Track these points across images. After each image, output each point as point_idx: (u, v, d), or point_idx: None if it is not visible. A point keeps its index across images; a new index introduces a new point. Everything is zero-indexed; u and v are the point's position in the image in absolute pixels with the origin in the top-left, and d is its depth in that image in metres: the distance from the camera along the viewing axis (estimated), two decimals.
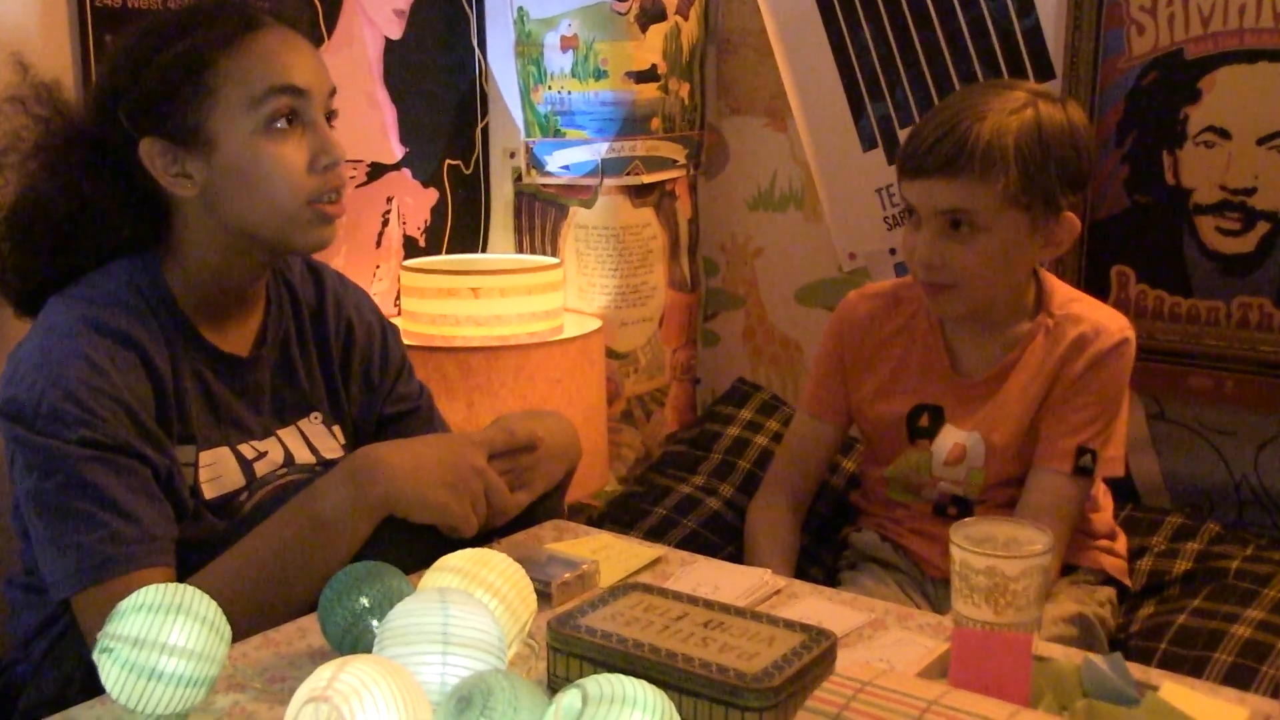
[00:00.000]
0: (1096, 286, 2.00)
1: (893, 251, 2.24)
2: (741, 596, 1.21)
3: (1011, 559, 1.01)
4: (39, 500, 1.23)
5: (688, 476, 2.04)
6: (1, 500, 1.45)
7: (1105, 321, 1.58)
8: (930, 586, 1.68)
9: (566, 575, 1.22)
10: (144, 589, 0.97)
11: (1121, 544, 1.73)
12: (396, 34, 2.21)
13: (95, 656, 0.97)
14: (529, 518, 1.43)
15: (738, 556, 1.92)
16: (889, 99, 2.20)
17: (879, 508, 1.74)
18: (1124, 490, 2.02)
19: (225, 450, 1.39)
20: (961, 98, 1.55)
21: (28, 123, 1.39)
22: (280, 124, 1.31)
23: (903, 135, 2.18)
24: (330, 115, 1.39)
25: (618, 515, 1.97)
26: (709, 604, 1.07)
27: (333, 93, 1.38)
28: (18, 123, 1.39)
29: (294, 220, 1.33)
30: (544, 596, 1.18)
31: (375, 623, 1.04)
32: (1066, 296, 1.62)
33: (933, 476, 1.65)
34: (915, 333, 1.67)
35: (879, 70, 2.20)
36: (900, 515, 1.71)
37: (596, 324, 2.21)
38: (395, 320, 2.04)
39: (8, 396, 1.26)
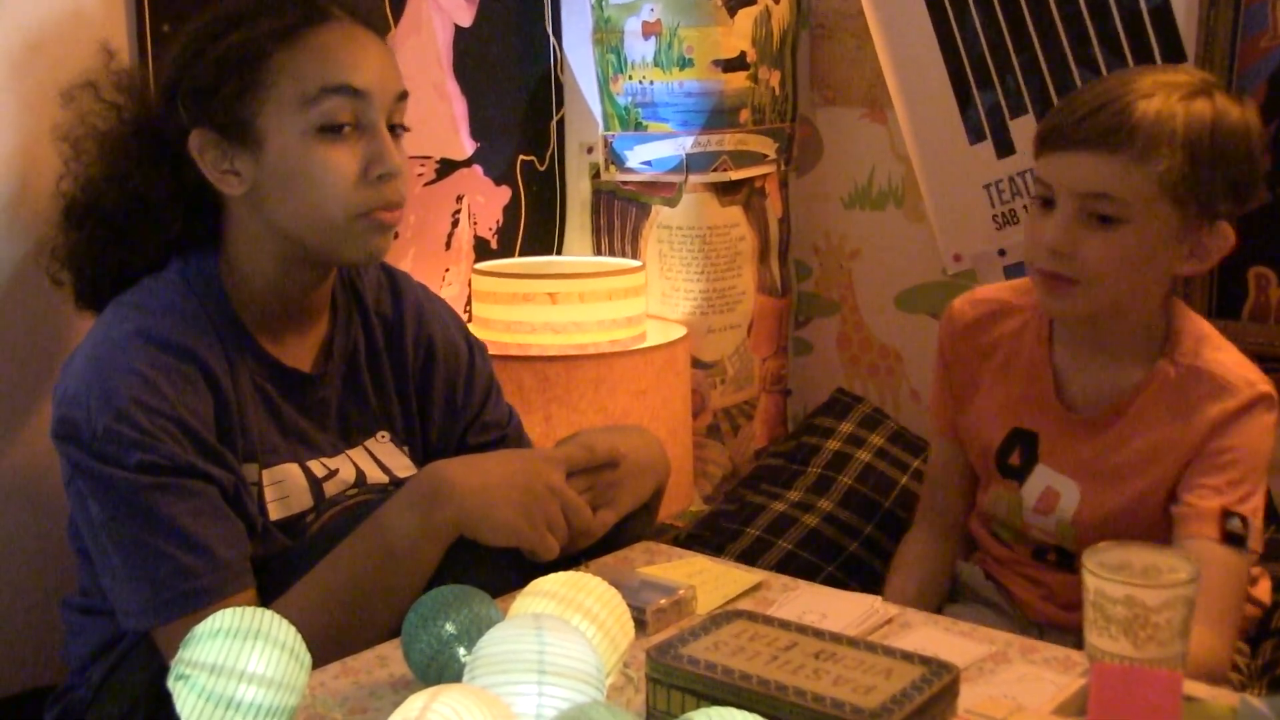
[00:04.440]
0: (1231, 291, 1.96)
1: (1002, 253, 2.22)
2: (851, 625, 1.20)
3: (1153, 588, 0.99)
4: (102, 529, 1.26)
5: (782, 493, 2.03)
6: (57, 517, 1.49)
7: (1238, 374, 1.47)
8: (1034, 631, 1.62)
9: (662, 601, 1.22)
10: (221, 613, 0.98)
11: (1263, 589, 1.63)
12: (467, 21, 2.23)
13: (170, 684, 0.98)
14: (617, 539, 1.42)
15: (838, 577, 1.91)
16: (999, 87, 2.17)
17: (985, 540, 1.70)
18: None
19: (294, 467, 1.41)
20: (1121, 75, 1.48)
21: (98, 109, 1.43)
22: (333, 126, 1.31)
23: (1014, 126, 2.17)
24: (397, 127, 1.38)
25: (706, 537, 1.97)
26: (819, 633, 1.06)
27: (401, 97, 1.37)
28: (87, 108, 1.43)
29: (341, 232, 1.34)
30: (638, 624, 1.18)
31: (462, 650, 1.05)
32: (1196, 338, 1.51)
33: (1024, 522, 1.59)
34: (1020, 347, 1.59)
35: (988, 55, 2.18)
36: (1002, 554, 1.67)
37: (681, 331, 2.21)
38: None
39: (61, 416, 1.28)
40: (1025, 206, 2.17)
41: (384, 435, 1.51)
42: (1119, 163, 1.39)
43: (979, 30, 2.18)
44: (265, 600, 1.27)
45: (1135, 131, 1.38)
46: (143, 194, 1.37)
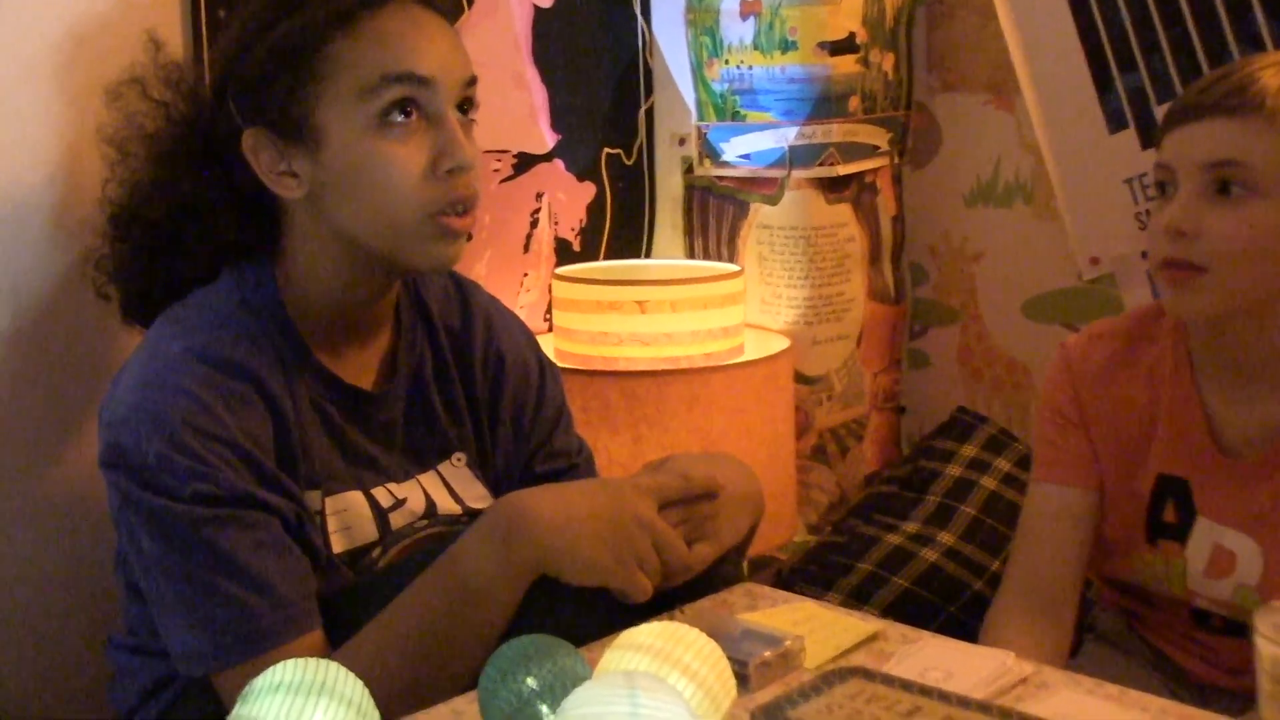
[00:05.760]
0: None
1: (1146, 255, 2.17)
2: (980, 685, 1.17)
3: None
4: (155, 565, 1.26)
5: (897, 524, 2.02)
6: (104, 549, 1.50)
7: None
8: (1185, 693, 1.55)
9: (767, 654, 1.20)
10: (281, 665, 0.98)
11: None
12: (548, 1, 2.24)
13: None
14: (706, 581, 1.40)
15: (961, 619, 1.88)
16: (1143, 68, 2.13)
17: (1122, 600, 1.62)
18: None
19: (358, 495, 1.41)
20: (1253, 54, 1.44)
21: (145, 108, 1.44)
22: (396, 117, 1.31)
23: (1161, 112, 2.11)
24: (467, 106, 1.37)
25: (812, 572, 1.96)
26: (944, 695, 1.04)
27: (470, 83, 1.37)
28: (135, 107, 1.44)
29: (408, 234, 1.33)
30: (740, 678, 1.15)
31: (545, 708, 1.03)
32: None
33: (1189, 590, 1.50)
34: (1159, 384, 1.51)
35: (1131, 32, 2.14)
36: (1146, 613, 1.59)
37: (784, 343, 2.20)
38: (545, 338, 2.06)
39: (109, 442, 1.28)
40: None
41: (460, 458, 1.51)
42: (1245, 126, 1.34)
43: (1120, 4, 2.14)
44: (330, 642, 1.27)
45: (1264, 93, 1.34)
46: (193, 199, 1.38)
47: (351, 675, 1.00)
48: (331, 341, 1.41)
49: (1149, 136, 2.13)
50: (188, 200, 1.38)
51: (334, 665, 1.00)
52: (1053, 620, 1.52)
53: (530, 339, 1.61)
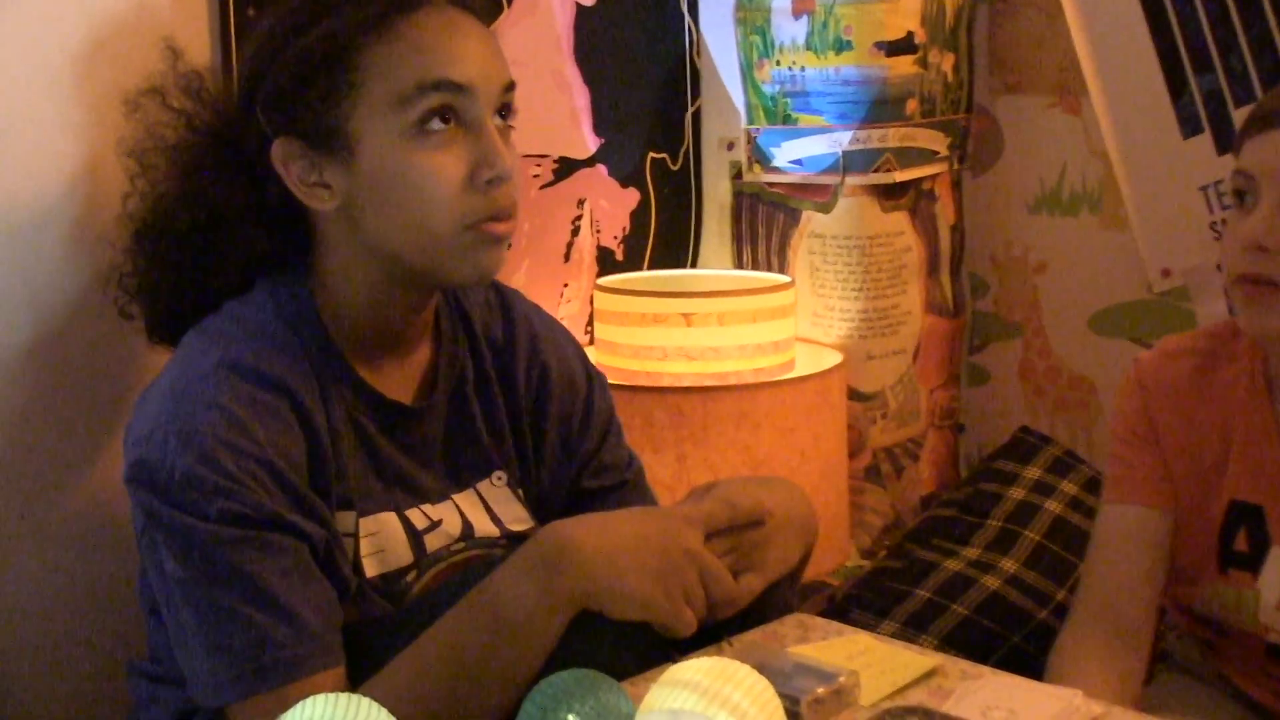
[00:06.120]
0: None
1: (1222, 268, 2.15)
2: None
3: None
4: (177, 587, 1.26)
5: (957, 549, 2.02)
6: (127, 572, 1.50)
7: None
8: None
9: (820, 690, 1.19)
10: (310, 700, 0.98)
11: None
12: None
13: None
14: (757, 611, 1.40)
15: (1025, 650, 1.87)
16: (1220, 69, 2.12)
17: (1192, 622, 1.61)
18: None
19: (391, 516, 1.40)
20: None
21: (167, 118, 1.44)
22: (435, 125, 1.31)
23: (1238, 116, 2.11)
24: (506, 112, 1.38)
25: (867, 599, 1.96)
26: None
27: (509, 88, 1.37)
28: (155, 118, 1.44)
29: (445, 246, 1.33)
30: (791, 716, 1.15)
31: None
32: None
33: (1261, 624, 1.48)
34: (1235, 405, 1.51)
35: (1207, 31, 2.13)
36: (1220, 644, 1.58)
37: (836, 358, 2.20)
38: (587, 350, 2.06)
39: (135, 458, 1.28)
40: None
41: (500, 476, 1.51)
42: None
43: (1197, 1, 2.13)
44: (358, 676, 1.27)
45: None
46: (220, 212, 1.38)
47: (384, 712, 0.99)
48: (370, 355, 1.41)
49: (1225, 142, 2.13)
50: (214, 213, 1.39)
51: (365, 701, 0.99)
52: (1128, 647, 1.51)
53: (577, 349, 1.61)
